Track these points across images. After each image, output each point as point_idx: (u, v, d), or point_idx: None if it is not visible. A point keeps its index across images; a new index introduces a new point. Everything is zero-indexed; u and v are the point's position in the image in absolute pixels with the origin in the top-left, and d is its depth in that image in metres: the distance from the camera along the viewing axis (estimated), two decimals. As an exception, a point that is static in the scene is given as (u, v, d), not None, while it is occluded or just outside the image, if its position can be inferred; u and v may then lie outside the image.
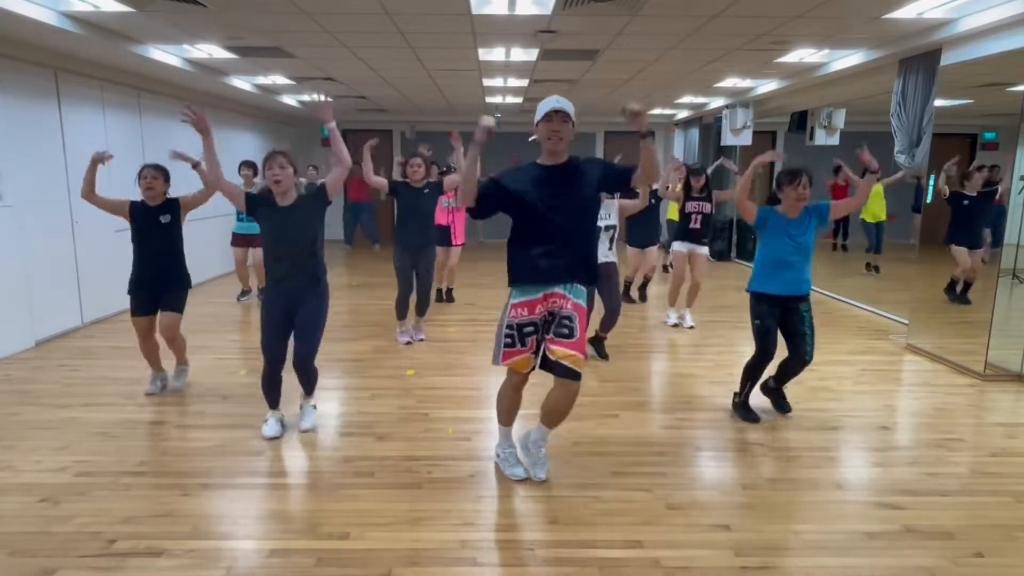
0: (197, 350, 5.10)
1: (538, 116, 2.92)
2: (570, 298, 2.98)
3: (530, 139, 2.96)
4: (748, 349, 5.66)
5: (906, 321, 6.03)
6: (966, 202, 6.21)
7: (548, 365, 3.01)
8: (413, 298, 5.69)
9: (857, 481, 3.26)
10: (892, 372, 5.07)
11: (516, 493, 3.08)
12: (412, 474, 3.25)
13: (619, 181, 3.13)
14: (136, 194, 4.28)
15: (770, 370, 3.98)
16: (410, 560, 2.53)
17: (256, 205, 3.56)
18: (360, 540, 2.66)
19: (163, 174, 4.25)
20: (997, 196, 5.92)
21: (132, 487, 3.09)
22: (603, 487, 3.12)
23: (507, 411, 3.25)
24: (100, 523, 2.76)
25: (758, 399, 4.09)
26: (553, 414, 3.11)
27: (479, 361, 5.23)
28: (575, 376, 2.95)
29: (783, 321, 3.82)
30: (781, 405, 4.09)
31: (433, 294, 6.44)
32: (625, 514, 2.87)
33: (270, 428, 3.68)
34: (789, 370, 3.96)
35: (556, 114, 2.87)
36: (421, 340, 5.73)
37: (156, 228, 4.18)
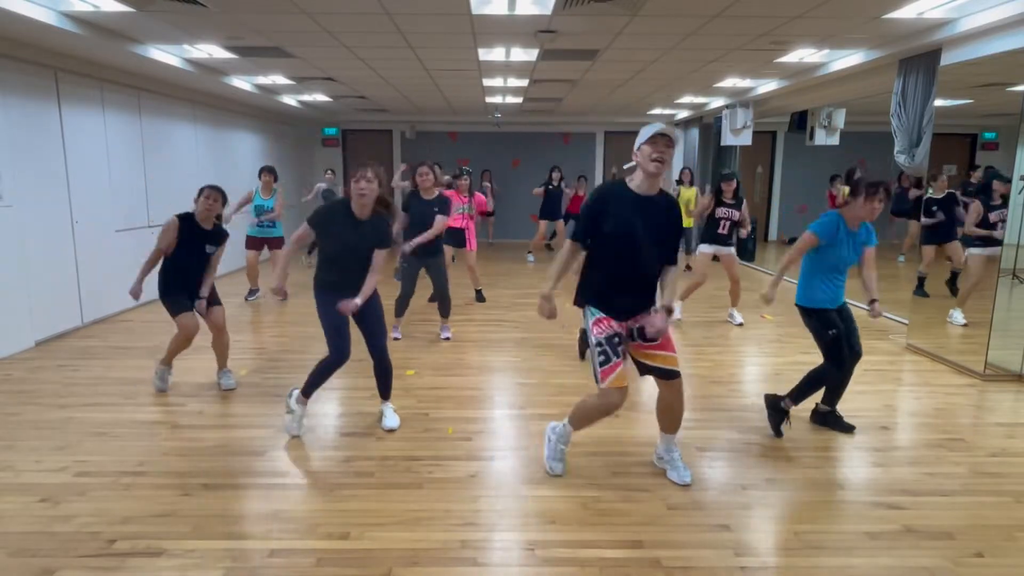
0: (198, 349, 5.09)
1: (642, 138, 2.85)
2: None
3: (625, 167, 2.95)
4: (749, 349, 5.71)
5: (906, 321, 6.03)
6: (935, 207, 6.50)
7: (645, 369, 3.07)
8: (417, 299, 5.69)
9: (857, 481, 3.25)
10: (892, 372, 5.07)
11: (516, 493, 3.08)
12: (412, 474, 3.25)
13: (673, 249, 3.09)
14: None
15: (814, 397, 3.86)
16: (410, 560, 2.53)
17: (327, 223, 3.53)
18: (360, 540, 2.66)
19: (222, 197, 4.31)
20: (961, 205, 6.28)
21: (132, 487, 3.09)
22: (603, 487, 3.12)
23: (586, 423, 3.20)
24: (100, 523, 2.76)
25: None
26: (669, 416, 3.16)
27: (479, 361, 5.23)
28: (674, 375, 3.02)
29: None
30: (843, 425, 3.83)
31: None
32: (625, 514, 2.88)
33: (292, 425, 3.69)
34: (843, 379, 3.78)
35: (662, 137, 2.80)
36: (447, 339, 5.79)
37: (199, 253, 4.25)
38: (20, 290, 5.43)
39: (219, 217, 4.35)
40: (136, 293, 4.20)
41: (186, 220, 4.20)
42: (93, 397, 4.32)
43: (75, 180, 6.09)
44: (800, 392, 3.74)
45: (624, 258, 2.92)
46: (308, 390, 3.68)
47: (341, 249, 3.52)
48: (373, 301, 3.64)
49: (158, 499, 2.98)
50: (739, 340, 5.96)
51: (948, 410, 4.22)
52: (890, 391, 4.64)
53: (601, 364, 2.93)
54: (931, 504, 2.99)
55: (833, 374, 3.69)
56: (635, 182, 2.93)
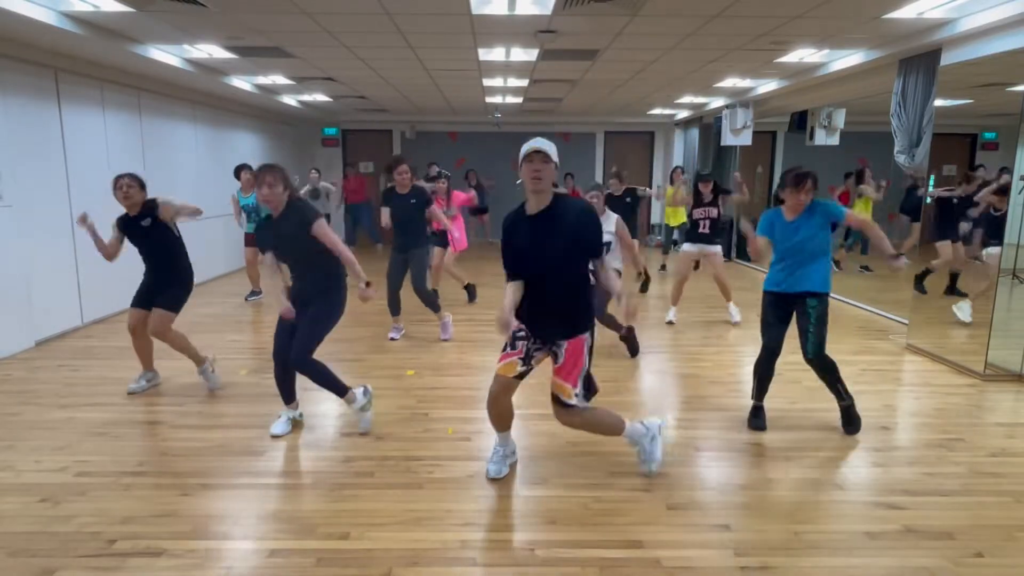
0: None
1: (520, 157, 2.88)
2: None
3: (516, 183, 2.98)
4: (747, 349, 5.70)
5: (906, 321, 6.03)
6: (955, 200, 6.45)
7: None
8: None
9: (857, 481, 3.25)
10: (892, 372, 5.07)
11: (516, 493, 3.08)
12: (412, 474, 3.25)
13: (591, 255, 3.02)
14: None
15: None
16: (410, 560, 2.53)
17: (265, 236, 3.66)
18: (360, 540, 2.66)
19: (138, 182, 4.20)
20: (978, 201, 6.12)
21: (132, 487, 3.10)
22: (603, 487, 3.12)
23: (495, 418, 3.23)
24: (100, 523, 2.77)
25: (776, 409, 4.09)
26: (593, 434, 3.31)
27: (479, 361, 5.22)
28: (558, 403, 3.01)
29: (796, 318, 3.75)
30: (757, 423, 3.85)
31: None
32: (625, 514, 2.88)
33: (277, 426, 3.73)
34: (827, 376, 3.77)
35: (537, 155, 2.83)
36: (447, 339, 5.78)
37: (141, 234, 4.22)
38: (20, 290, 5.43)
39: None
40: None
41: (121, 218, 4.22)
42: (93, 397, 4.32)
43: (75, 180, 6.09)
44: (754, 386, 3.93)
45: (532, 283, 2.97)
46: (284, 399, 3.77)
47: (276, 242, 3.58)
48: (311, 309, 3.54)
49: (158, 499, 2.98)
50: (738, 340, 5.96)
51: (948, 410, 4.22)
52: (890, 391, 4.64)
53: (502, 349, 3.12)
54: (931, 504, 2.99)
55: (758, 358, 3.87)
56: (527, 201, 2.96)
